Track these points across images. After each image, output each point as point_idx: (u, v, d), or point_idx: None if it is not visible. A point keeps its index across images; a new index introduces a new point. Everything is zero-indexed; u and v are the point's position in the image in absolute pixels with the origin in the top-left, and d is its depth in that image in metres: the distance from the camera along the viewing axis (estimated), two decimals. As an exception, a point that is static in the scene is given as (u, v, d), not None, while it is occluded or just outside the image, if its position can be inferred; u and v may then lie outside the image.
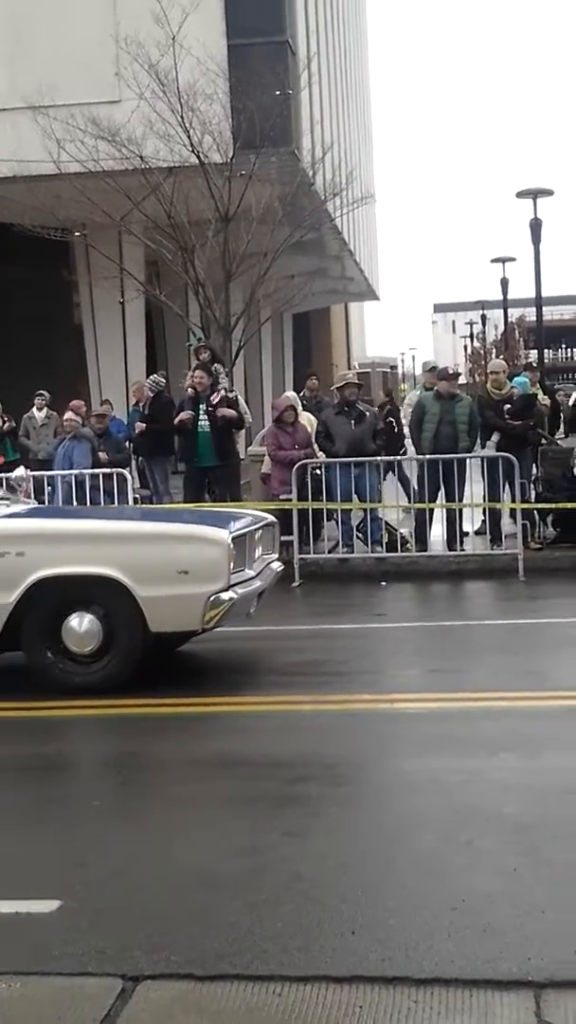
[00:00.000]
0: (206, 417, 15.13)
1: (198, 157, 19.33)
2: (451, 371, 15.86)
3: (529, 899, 4.67)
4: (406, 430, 16.76)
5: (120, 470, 15.04)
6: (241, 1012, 3.92)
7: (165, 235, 20.03)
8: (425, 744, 7.04)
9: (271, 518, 9.96)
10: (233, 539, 8.50)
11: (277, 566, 9.72)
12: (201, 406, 15.19)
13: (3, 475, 13.44)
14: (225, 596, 8.26)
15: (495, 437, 14.84)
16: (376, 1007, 3.91)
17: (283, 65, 22.71)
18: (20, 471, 10.34)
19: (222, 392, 15.39)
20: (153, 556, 8.47)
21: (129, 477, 15.21)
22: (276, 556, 9.96)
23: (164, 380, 18.52)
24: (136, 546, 8.63)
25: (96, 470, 14.93)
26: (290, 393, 17.89)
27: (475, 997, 3.94)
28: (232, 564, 8.39)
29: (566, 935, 4.32)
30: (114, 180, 19.89)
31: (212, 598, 8.20)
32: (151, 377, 19.14)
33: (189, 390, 15.59)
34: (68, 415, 16.36)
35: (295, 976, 4.11)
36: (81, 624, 8.35)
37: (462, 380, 43.54)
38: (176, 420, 15.31)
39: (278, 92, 21.15)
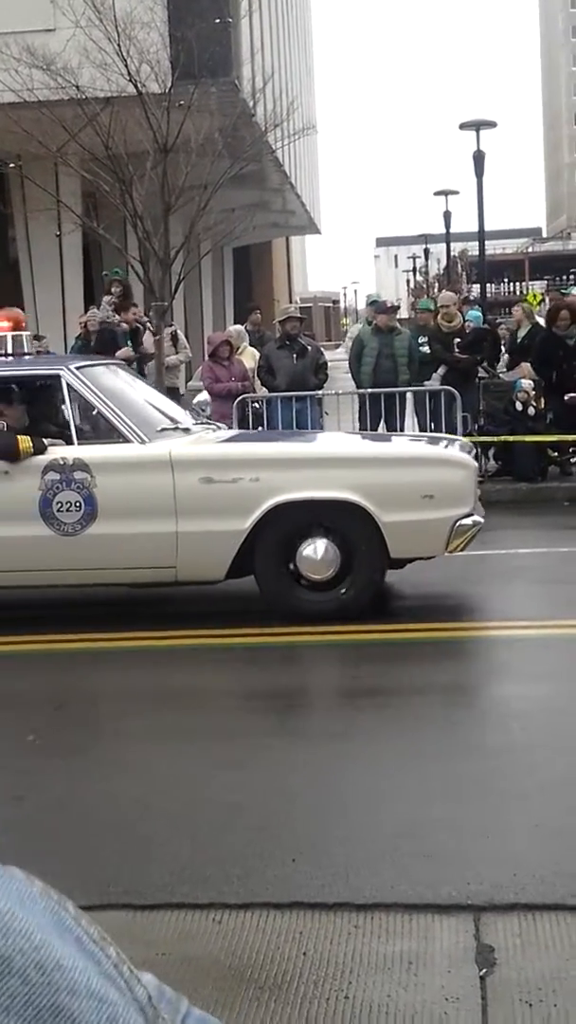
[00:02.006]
0: (136, 354, 15.15)
1: (136, 87, 18.99)
2: (389, 304, 15.78)
3: (470, 824, 4.70)
4: None
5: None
6: (180, 939, 3.91)
7: (102, 167, 19.69)
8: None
9: (466, 441, 9.57)
10: None
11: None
12: (129, 342, 15.17)
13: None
14: (469, 521, 7.99)
15: (441, 370, 14.81)
16: (316, 933, 3.91)
17: (222, -8, 22.38)
18: (203, 396, 9.96)
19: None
20: (397, 480, 8.12)
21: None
22: None
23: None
24: (379, 470, 8.28)
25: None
26: (237, 327, 17.75)
27: (415, 921, 3.96)
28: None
29: (505, 859, 4.35)
30: (49, 110, 19.52)
31: (457, 524, 7.92)
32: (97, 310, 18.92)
33: (124, 325, 15.50)
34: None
35: (235, 904, 4.11)
36: (317, 550, 8.05)
37: (404, 314, 43.36)
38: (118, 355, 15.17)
39: (217, 20, 20.87)
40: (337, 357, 17.92)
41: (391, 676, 6.99)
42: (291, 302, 48.04)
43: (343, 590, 8.06)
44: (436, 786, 5.14)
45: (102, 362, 9.26)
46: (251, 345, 16.13)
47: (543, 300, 33.78)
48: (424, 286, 69.48)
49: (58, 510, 8.05)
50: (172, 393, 16.83)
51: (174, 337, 17.40)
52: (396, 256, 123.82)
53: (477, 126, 25.60)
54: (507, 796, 5.00)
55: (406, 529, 7.96)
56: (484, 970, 3.65)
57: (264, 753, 5.74)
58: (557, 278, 58.49)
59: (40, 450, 8.10)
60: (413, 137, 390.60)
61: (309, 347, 15.06)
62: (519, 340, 16.09)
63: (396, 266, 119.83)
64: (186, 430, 8.67)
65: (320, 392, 14.76)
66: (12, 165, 22.30)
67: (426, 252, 66.83)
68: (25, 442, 8.10)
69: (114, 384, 8.71)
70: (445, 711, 6.24)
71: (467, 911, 4.00)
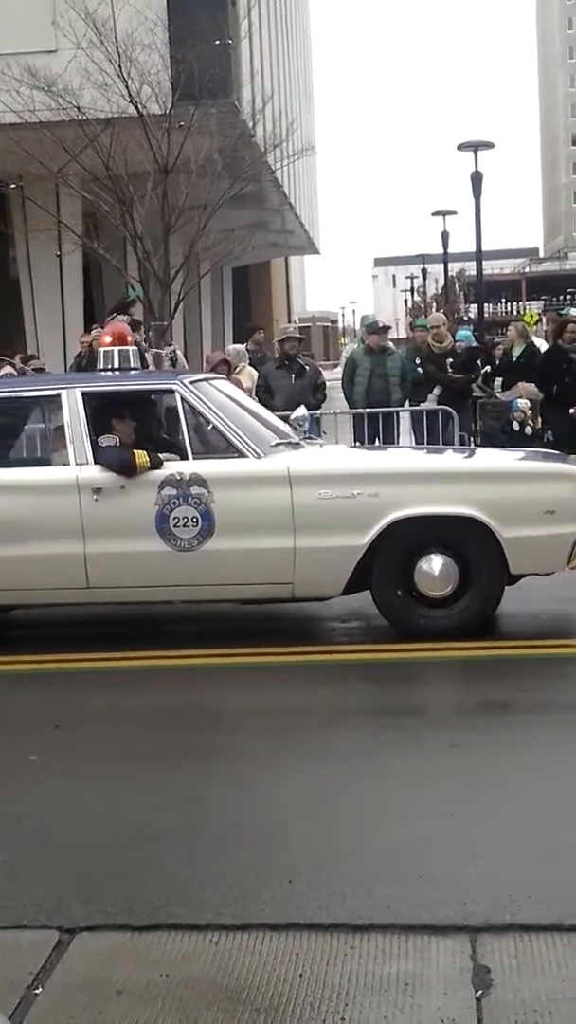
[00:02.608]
0: None
1: (136, 108, 19.15)
2: (380, 325, 15.84)
3: (465, 845, 4.72)
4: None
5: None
6: (177, 960, 3.93)
7: (103, 187, 19.84)
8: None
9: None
10: None
11: None
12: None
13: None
14: None
15: (437, 390, 14.88)
16: (313, 954, 3.93)
17: (222, 14, 22.50)
18: (301, 410, 9.91)
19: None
20: (519, 495, 8.00)
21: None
22: None
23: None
24: (500, 485, 8.15)
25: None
26: (236, 346, 17.79)
27: (412, 942, 3.97)
28: None
29: (502, 880, 4.36)
30: (51, 131, 19.68)
31: None
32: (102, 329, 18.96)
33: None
34: (6, 370, 16.19)
35: (232, 925, 4.13)
36: (436, 566, 7.93)
37: (402, 334, 43.35)
38: None
39: (217, 42, 20.98)
40: (335, 377, 17.97)
41: (386, 695, 7.00)
42: (290, 322, 48.17)
43: (462, 607, 7.96)
44: (433, 806, 5.15)
45: (207, 377, 9.20)
46: (252, 365, 16.17)
47: (540, 320, 33.86)
48: (422, 306, 69.63)
49: (175, 525, 7.98)
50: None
51: (173, 357, 17.44)
52: (394, 276, 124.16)
53: (475, 147, 25.71)
54: (504, 816, 5.02)
55: (527, 545, 7.87)
56: (480, 991, 3.67)
57: (262, 773, 5.75)
58: (554, 298, 58.56)
59: (156, 465, 8.06)
60: (411, 158, 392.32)
61: (307, 367, 15.09)
62: (514, 359, 16.15)
63: (394, 286, 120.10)
64: (296, 445, 8.64)
65: (318, 412, 14.79)
66: (13, 185, 22.43)
67: (424, 272, 66.98)
68: (142, 457, 8.06)
69: (223, 399, 8.66)
70: (443, 732, 6.24)
71: (463, 932, 4.01)
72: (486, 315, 31.95)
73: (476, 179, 24.93)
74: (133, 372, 9.02)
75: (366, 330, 15.84)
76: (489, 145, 26.14)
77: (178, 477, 8.01)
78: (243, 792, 5.47)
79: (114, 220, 19.85)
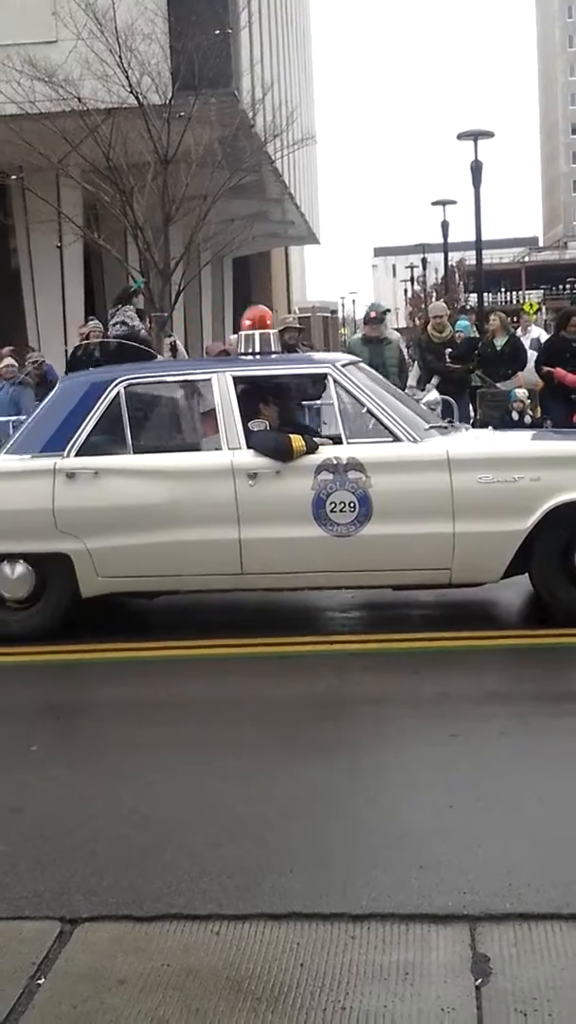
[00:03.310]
0: None
1: (137, 98, 19.12)
2: (373, 315, 15.81)
3: (465, 834, 4.74)
4: None
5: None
6: (179, 951, 3.95)
7: (103, 178, 19.82)
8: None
9: None
10: None
11: None
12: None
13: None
14: None
15: (435, 380, 14.86)
16: (313, 943, 3.95)
17: (222, 4, 22.49)
18: (434, 393, 9.79)
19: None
20: None
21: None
22: None
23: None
24: None
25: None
26: (237, 336, 17.79)
27: (411, 931, 4.00)
28: None
29: (501, 869, 4.38)
30: (51, 122, 19.66)
31: None
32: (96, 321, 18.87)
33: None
34: (7, 361, 16.17)
35: (233, 915, 4.15)
36: None
37: (402, 323, 43.24)
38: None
39: (217, 32, 20.95)
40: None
41: (386, 685, 7.02)
42: (290, 312, 48.10)
43: None
44: (431, 796, 5.17)
45: (353, 360, 9.05)
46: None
47: (540, 309, 33.83)
48: (422, 295, 69.55)
49: (331, 510, 7.93)
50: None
51: (173, 347, 17.43)
52: (394, 266, 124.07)
53: (475, 136, 25.69)
54: (503, 805, 5.04)
55: None
56: (480, 980, 3.69)
57: (262, 763, 5.77)
58: (553, 287, 58.54)
59: (311, 449, 8.01)
60: (411, 147, 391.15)
61: (307, 357, 15.10)
62: (498, 349, 16.12)
63: (394, 276, 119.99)
64: (446, 429, 8.60)
65: (318, 402, 14.77)
66: (14, 177, 22.42)
67: (424, 262, 66.90)
68: (297, 441, 8.00)
69: (372, 383, 8.57)
70: (442, 722, 6.26)
71: (463, 921, 4.03)
72: (486, 304, 31.92)
73: (476, 168, 24.93)
74: (275, 356, 8.94)
75: (362, 320, 15.88)
76: (489, 134, 26.12)
77: (335, 462, 7.95)
78: (243, 782, 5.49)
79: (114, 211, 19.83)
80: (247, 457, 8.07)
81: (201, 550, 8.07)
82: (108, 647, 8.03)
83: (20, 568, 8.36)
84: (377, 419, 8.13)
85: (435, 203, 44.02)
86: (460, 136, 26.14)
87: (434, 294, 60.06)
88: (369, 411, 8.15)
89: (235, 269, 47.04)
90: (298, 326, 16.00)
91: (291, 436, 8.07)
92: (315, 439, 8.16)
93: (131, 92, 19.07)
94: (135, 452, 8.29)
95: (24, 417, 14.60)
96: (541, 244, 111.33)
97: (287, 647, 7.87)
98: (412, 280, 77.83)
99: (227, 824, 4.98)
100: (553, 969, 3.74)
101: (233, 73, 22.99)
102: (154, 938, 4.04)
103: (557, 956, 3.82)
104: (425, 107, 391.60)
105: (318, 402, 8.75)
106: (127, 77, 19.02)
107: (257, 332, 8.95)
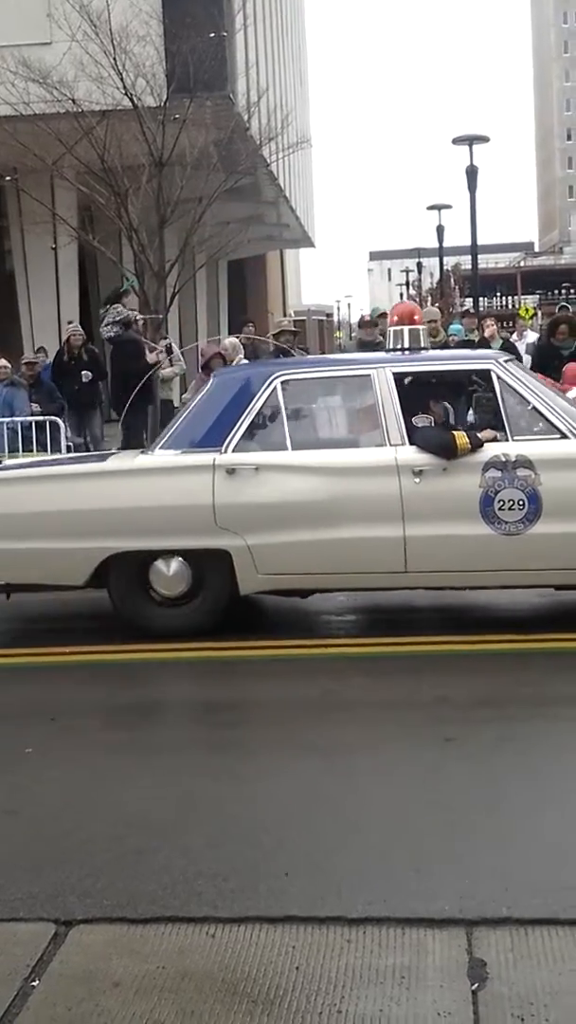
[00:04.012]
0: None
1: (131, 100, 19.08)
2: (367, 318, 15.86)
3: (461, 838, 4.72)
4: None
5: (54, 418, 14.88)
6: (174, 954, 3.93)
7: (98, 180, 19.77)
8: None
9: None
10: None
11: None
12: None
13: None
14: None
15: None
16: (309, 947, 3.93)
17: (217, 6, 22.45)
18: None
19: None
20: None
21: (63, 426, 15.04)
22: None
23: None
24: None
25: (29, 418, 14.77)
26: (232, 339, 17.79)
27: (408, 935, 3.98)
28: None
29: (498, 873, 4.37)
30: (45, 123, 19.62)
31: None
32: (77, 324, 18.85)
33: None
34: (1, 362, 16.13)
35: (228, 918, 4.13)
36: None
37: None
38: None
39: (212, 34, 20.92)
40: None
41: (382, 689, 7.00)
42: (285, 315, 48.11)
43: None
44: (428, 800, 5.16)
45: (511, 357, 8.90)
46: (245, 358, 16.18)
47: (536, 314, 33.86)
48: (417, 300, 69.61)
49: (500, 508, 7.80)
50: (166, 405, 16.87)
51: (168, 349, 17.41)
52: (389, 270, 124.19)
53: (470, 141, 25.74)
54: (499, 810, 5.03)
55: None
56: (476, 984, 3.68)
57: (258, 766, 5.76)
58: (549, 292, 58.61)
59: (477, 446, 7.90)
60: (407, 151, 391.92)
61: (302, 360, 15.11)
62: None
63: (389, 280, 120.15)
64: None
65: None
66: (8, 178, 22.40)
67: (419, 266, 67.03)
68: (462, 438, 7.89)
69: (532, 379, 8.41)
70: (439, 726, 6.24)
71: (459, 925, 4.02)
72: (481, 309, 31.94)
73: (471, 173, 24.96)
74: (433, 352, 8.79)
75: (357, 324, 15.96)
76: (484, 139, 26.17)
77: (503, 459, 7.84)
78: (238, 785, 5.47)
79: (109, 213, 19.79)
80: (411, 454, 7.95)
81: (364, 548, 7.92)
82: (103, 649, 8.01)
83: (176, 565, 8.23)
84: (543, 416, 7.98)
85: (431, 207, 44.13)
86: (455, 141, 26.20)
87: (429, 298, 60.08)
88: (535, 408, 8.00)
89: (230, 272, 47.03)
90: (294, 329, 16.05)
91: (455, 433, 7.97)
92: (479, 435, 8.00)
93: (126, 94, 19.03)
94: (293, 448, 8.16)
95: (19, 418, 14.61)
96: (537, 249, 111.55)
97: (283, 650, 7.86)
98: (407, 284, 77.90)
99: (223, 826, 4.96)
100: (550, 974, 3.72)
101: (228, 76, 22.97)
102: (149, 940, 4.03)
103: (554, 961, 3.81)
104: (421, 111, 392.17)
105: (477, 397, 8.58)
106: (122, 79, 18.99)
107: (406, 327, 8.85)
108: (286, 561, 8.06)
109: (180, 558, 8.22)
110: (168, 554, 8.22)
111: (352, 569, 8.04)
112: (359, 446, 8.25)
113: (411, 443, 8.00)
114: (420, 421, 8.22)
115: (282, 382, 8.27)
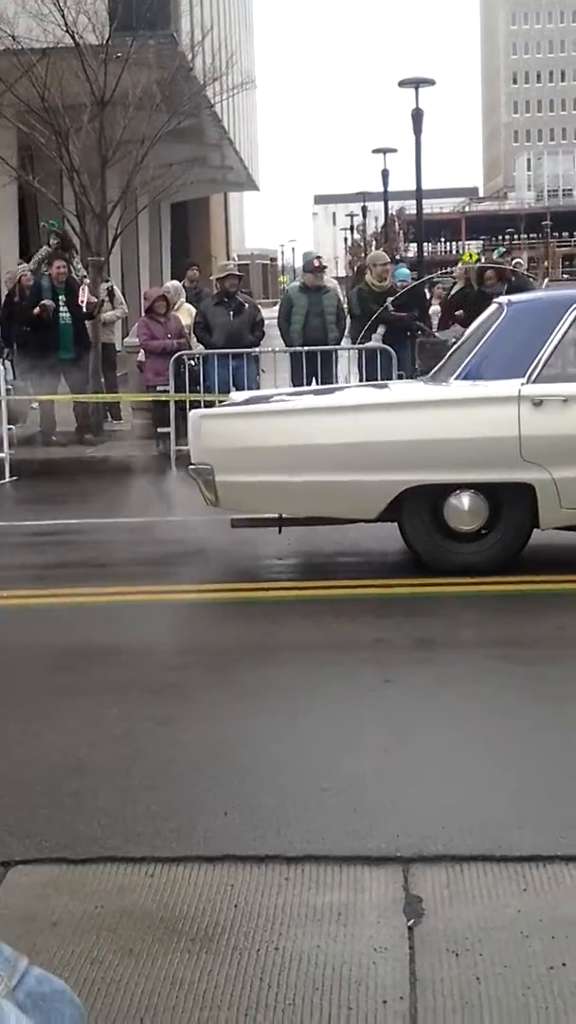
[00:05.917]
0: (67, 308, 15.10)
1: (73, 38, 18.75)
2: (315, 263, 15.78)
3: (398, 778, 4.77)
4: None
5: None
6: (113, 893, 3.95)
7: (39, 119, 19.44)
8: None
9: None
10: None
11: None
12: (60, 297, 15.17)
13: None
14: None
15: (381, 330, 14.85)
16: (248, 885, 3.96)
17: (161, -57, 22.10)
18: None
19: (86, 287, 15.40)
20: None
21: (2, 369, 14.86)
22: None
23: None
24: None
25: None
26: (174, 283, 17.68)
27: (345, 873, 4.02)
28: None
29: (433, 812, 4.42)
30: (-16, 60, 19.26)
31: None
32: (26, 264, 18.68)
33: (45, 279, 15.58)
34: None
35: (167, 857, 4.15)
36: None
37: (341, 272, 43.07)
38: (36, 310, 15.09)
39: (156, -29, 20.62)
40: (273, 315, 17.91)
41: (321, 631, 7.04)
42: (229, 259, 47.79)
43: None
44: (367, 741, 5.20)
45: None
46: (188, 302, 16.08)
47: (479, 260, 33.81)
48: (362, 244, 69.38)
49: None
50: (108, 349, 16.76)
51: (110, 293, 17.27)
52: (334, 214, 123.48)
53: (416, 84, 25.51)
54: (437, 750, 5.08)
55: None
56: (412, 920, 3.72)
57: (196, 709, 5.77)
58: (493, 238, 58.63)
59: None
60: (352, 94, 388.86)
61: (246, 304, 15.05)
62: (450, 296, 16.28)
63: (334, 224, 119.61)
64: None
65: (257, 349, 14.76)
66: (-54, 116, 21.93)
67: (364, 210, 66.69)
68: None
69: None
70: (378, 667, 6.28)
71: (396, 863, 4.06)
72: (425, 254, 31.87)
73: (416, 116, 24.77)
74: None
75: (302, 268, 15.87)
76: (430, 82, 25.95)
77: None
78: (177, 728, 5.49)
79: (50, 153, 19.47)
80: None
81: None
82: (38, 593, 8.00)
83: (474, 499, 7.97)
84: None
85: (376, 151, 43.81)
86: (401, 83, 25.96)
87: (374, 243, 59.90)
88: None
89: (173, 215, 46.59)
90: (238, 273, 15.93)
91: None
92: None
93: (67, 31, 18.70)
94: None
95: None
96: (481, 194, 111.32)
97: (221, 593, 7.87)
98: (352, 228, 77.59)
99: (161, 767, 4.98)
100: (484, 910, 3.77)
101: (172, 14, 22.68)
102: (88, 880, 4.04)
103: (488, 897, 3.86)
104: (366, 54, 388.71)
105: None
106: (63, 16, 18.65)
107: None
108: None
109: (477, 492, 7.99)
110: (465, 487, 7.98)
111: None
112: None
113: None
114: None
115: None
